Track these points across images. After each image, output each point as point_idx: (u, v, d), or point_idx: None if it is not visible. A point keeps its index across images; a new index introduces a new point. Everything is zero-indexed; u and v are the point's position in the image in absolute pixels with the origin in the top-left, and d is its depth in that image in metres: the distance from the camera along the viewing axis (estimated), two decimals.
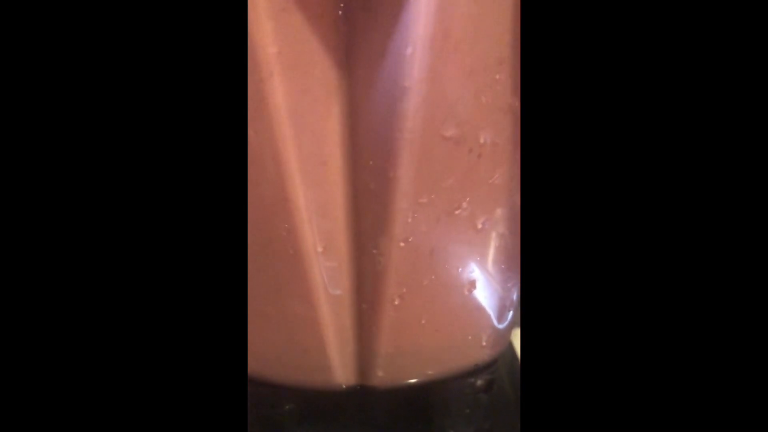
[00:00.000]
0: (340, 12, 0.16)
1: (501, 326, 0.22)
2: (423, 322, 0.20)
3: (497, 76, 0.16)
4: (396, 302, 0.20)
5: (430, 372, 0.22)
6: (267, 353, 0.22)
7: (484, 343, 0.22)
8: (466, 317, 0.21)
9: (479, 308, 0.21)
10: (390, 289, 0.19)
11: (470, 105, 0.16)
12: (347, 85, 0.16)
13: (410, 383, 0.22)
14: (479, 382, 0.24)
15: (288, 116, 0.16)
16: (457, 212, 0.18)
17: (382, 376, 0.22)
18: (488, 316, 0.21)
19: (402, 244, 0.18)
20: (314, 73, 0.16)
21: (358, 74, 0.16)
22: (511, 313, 0.22)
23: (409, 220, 0.18)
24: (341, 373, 0.22)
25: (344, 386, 0.22)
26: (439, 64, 0.16)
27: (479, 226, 0.19)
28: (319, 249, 0.19)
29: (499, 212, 0.19)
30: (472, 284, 0.20)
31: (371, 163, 0.17)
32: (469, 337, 0.22)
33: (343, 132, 0.17)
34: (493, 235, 0.20)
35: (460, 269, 0.20)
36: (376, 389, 0.22)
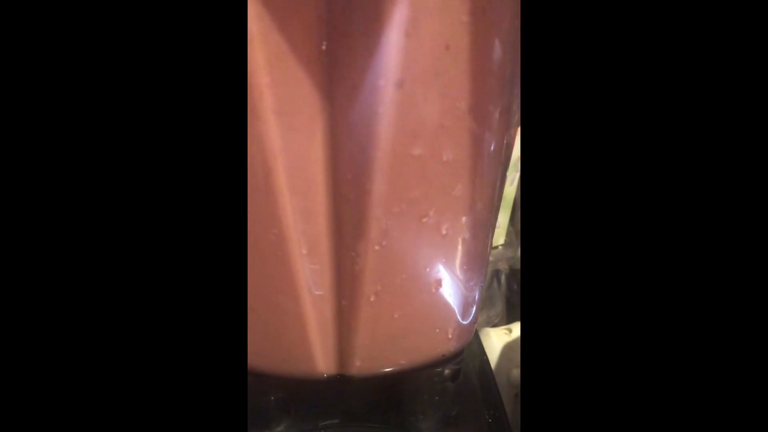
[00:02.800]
0: (324, 48, 0.18)
1: (465, 321, 0.25)
2: (396, 316, 0.23)
3: (457, 104, 0.19)
4: (372, 299, 0.22)
5: (402, 362, 0.24)
6: (255, 346, 0.24)
7: (450, 336, 0.25)
8: (433, 312, 0.24)
9: (445, 304, 0.23)
10: (366, 288, 0.22)
11: (434, 128, 0.19)
12: (329, 109, 0.19)
13: (385, 372, 0.24)
14: (446, 372, 0.26)
15: (278, 136, 0.19)
16: (424, 220, 0.21)
17: (359, 365, 0.24)
18: (453, 312, 0.24)
19: (377, 248, 0.21)
20: (300, 100, 0.19)
21: (339, 101, 0.19)
22: (474, 309, 0.25)
23: (383, 226, 0.20)
24: (323, 363, 0.24)
25: (325, 375, 0.24)
26: (408, 94, 0.18)
27: (444, 231, 0.21)
28: (304, 251, 0.21)
29: (461, 219, 0.22)
30: (439, 283, 0.23)
31: (350, 176, 0.20)
32: (437, 330, 0.24)
33: (326, 150, 0.20)
34: (457, 239, 0.22)
35: (427, 270, 0.22)
36: (354, 378, 0.24)
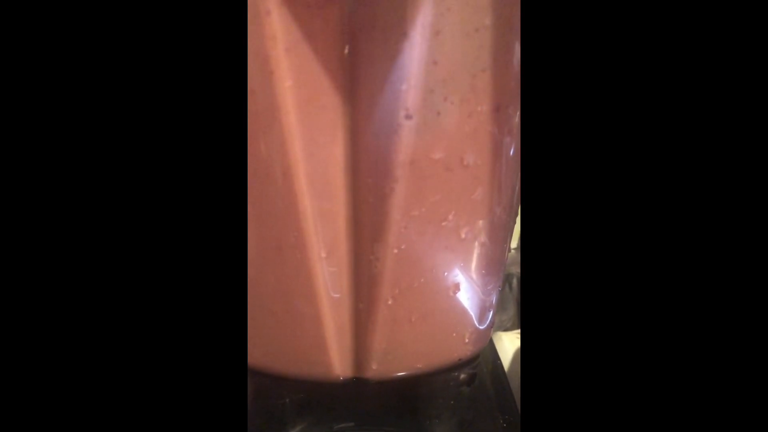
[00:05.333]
0: (346, 52, 0.18)
1: (482, 326, 0.25)
2: (413, 320, 0.23)
3: (478, 108, 0.19)
4: (389, 302, 0.22)
5: (418, 365, 0.24)
6: (272, 348, 0.24)
7: (466, 340, 0.24)
8: (451, 316, 0.23)
9: (462, 308, 0.23)
10: (384, 291, 0.22)
11: (455, 132, 0.19)
12: (351, 113, 0.19)
13: (401, 376, 0.24)
14: (462, 376, 0.26)
15: (300, 139, 0.19)
16: (443, 223, 0.21)
17: (376, 369, 0.24)
18: (470, 316, 0.24)
19: (396, 251, 0.21)
20: (322, 103, 0.19)
21: (361, 105, 0.19)
22: (491, 313, 0.25)
23: (402, 230, 0.20)
24: (339, 366, 0.24)
25: (341, 378, 0.24)
26: (429, 99, 0.18)
27: (463, 235, 0.21)
28: (323, 254, 0.21)
29: (479, 223, 0.22)
30: (456, 287, 0.23)
31: (370, 180, 0.20)
32: (454, 335, 0.24)
33: (346, 153, 0.20)
34: (475, 243, 0.22)
35: (445, 273, 0.22)
36: (370, 381, 0.24)
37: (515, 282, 0.49)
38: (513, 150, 0.21)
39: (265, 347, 0.24)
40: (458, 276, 0.22)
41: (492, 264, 0.23)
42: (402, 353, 0.24)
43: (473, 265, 0.23)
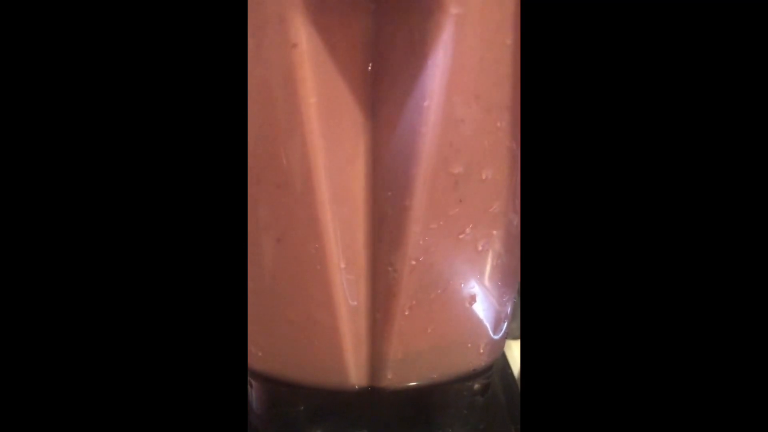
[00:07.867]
0: (369, 69, 0.19)
1: (496, 336, 0.25)
2: (429, 331, 0.23)
3: (498, 124, 0.19)
4: (406, 313, 0.22)
5: (433, 376, 0.25)
6: (289, 356, 0.24)
7: (481, 351, 0.25)
8: (466, 327, 0.24)
9: (478, 319, 0.24)
10: (401, 302, 0.22)
11: (475, 147, 0.19)
12: (373, 128, 0.19)
13: (416, 385, 0.25)
14: (476, 386, 0.26)
15: (322, 153, 0.19)
16: (461, 236, 0.21)
17: (391, 378, 0.24)
18: (485, 327, 0.24)
19: (413, 263, 0.21)
20: (345, 119, 0.19)
21: (383, 120, 0.19)
22: (505, 324, 0.25)
23: (421, 242, 0.21)
24: (355, 375, 0.24)
25: (357, 387, 0.24)
26: (450, 115, 0.19)
27: (479, 248, 0.22)
28: (342, 265, 0.21)
29: (496, 236, 0.22)
30: (473, 298, 0.23)
31: (390, 193, 0.20)
32: (469, 345, 0.24)
33: (367, 167, 0.20)
34: (491, 255, 0.22)
35: (462, 285, 0.22)
36: (385, 390, 0.24)
37: None
38: None
39: (282, 355, 0.24)
40: (475, 287, 0.23)
41: (507, 275, 0.23)
42: (417, 363, 0.24)
43: (489, 276, 0.23)
